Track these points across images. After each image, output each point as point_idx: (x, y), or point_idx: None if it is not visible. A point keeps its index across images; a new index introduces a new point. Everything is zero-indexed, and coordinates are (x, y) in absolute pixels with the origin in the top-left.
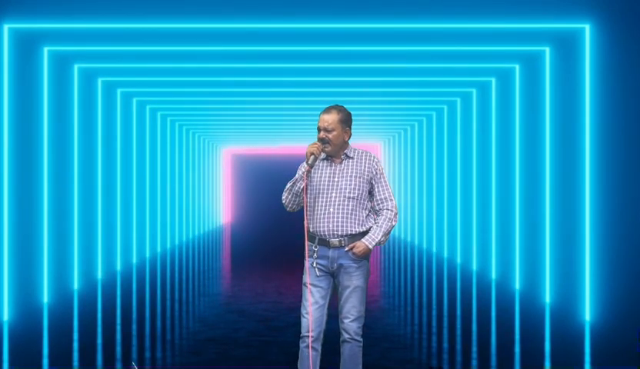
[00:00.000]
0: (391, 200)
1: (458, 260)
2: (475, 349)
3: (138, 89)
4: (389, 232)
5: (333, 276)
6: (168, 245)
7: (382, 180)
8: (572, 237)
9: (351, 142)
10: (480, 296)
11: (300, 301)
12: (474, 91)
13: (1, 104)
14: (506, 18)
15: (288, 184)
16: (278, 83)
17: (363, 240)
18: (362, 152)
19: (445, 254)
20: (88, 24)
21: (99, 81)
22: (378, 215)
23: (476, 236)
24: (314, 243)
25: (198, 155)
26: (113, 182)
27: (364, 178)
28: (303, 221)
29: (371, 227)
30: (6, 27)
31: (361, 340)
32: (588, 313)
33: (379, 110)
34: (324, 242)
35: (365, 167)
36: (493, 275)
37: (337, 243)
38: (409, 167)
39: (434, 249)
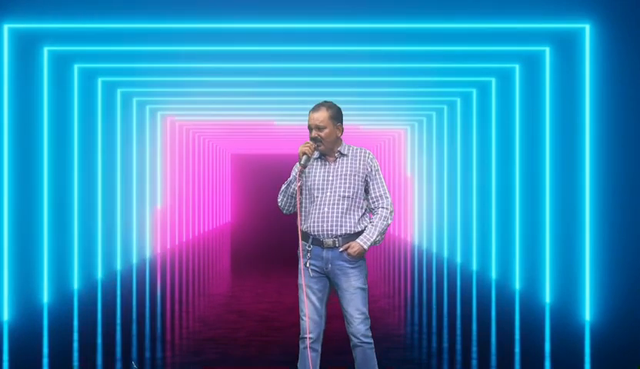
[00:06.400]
0: (387, 197)
1: (458, 260)
2: (475, 349)
3: (138, 89)
4: (385, 231)
5: (328, 277)
6: (168, 245)
7: (378, 177)
8: (572, 237)
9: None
10: (480, 296)
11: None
12: (474, 91)
13: (1, 104)
14: (506, 18)
15: (283, 186)
16: (277, 83)
17: (358, 240)
18: (357, 149)
19: (445, 254)
20: (88, 24)
21: (99, 81)
22: (373, 213)
23: (476, 236)
24: (307, 243)
25: (199, 155)
26: (113, 182)
27: (359, 176)
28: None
29: (366, 226)
30: (6, 27)
31: (372, 341)
32: (588, 313)
33: (379, 110)
34: (317, 242)
35: (359, 164)
36: (493, 275)
37: (331, 243)
38: (409, 167)
39: (434, 249)
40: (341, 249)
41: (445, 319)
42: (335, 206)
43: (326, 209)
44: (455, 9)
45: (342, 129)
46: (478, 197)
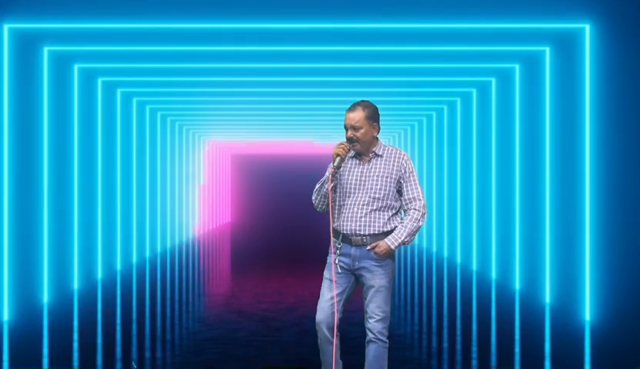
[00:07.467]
0: (420, 199)
1: (458, 260)
2: (474, 349)
3: (138, 89)
4: (415, 232)
5: (355, 275)
6: (168, 245)
7: (412, 179)
8: (572, 237)
9: None
10: (480, 296)
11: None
12: (474, 91)
13: (1, 104)
14: (506, 18)
15: (317, 185)
16: (278, 83)
17: (386, 239)
18: (392, 150)
19: (445, 254)
20: (88, 24)
21: (99, 81)
22: (406, 215)
23: (476, 236)
24: (338, 240)
25: (199, 156)
26: (113, 182)
27: (392, 178)
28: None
29: (396, 226)
30: (6, 27)
31: (387, 340)
32: (588, 313)
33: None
34: (347, 240)
35: (393, 166)
36: (493, 275)
37: (359, 241)
38: None
39: (434, 249)
40: (368, 247)
41: (445, 319)
42: (366, 206)
43: (356, 209)
44: (455, 9)
45: (379, 129)
46: (478, 197)
